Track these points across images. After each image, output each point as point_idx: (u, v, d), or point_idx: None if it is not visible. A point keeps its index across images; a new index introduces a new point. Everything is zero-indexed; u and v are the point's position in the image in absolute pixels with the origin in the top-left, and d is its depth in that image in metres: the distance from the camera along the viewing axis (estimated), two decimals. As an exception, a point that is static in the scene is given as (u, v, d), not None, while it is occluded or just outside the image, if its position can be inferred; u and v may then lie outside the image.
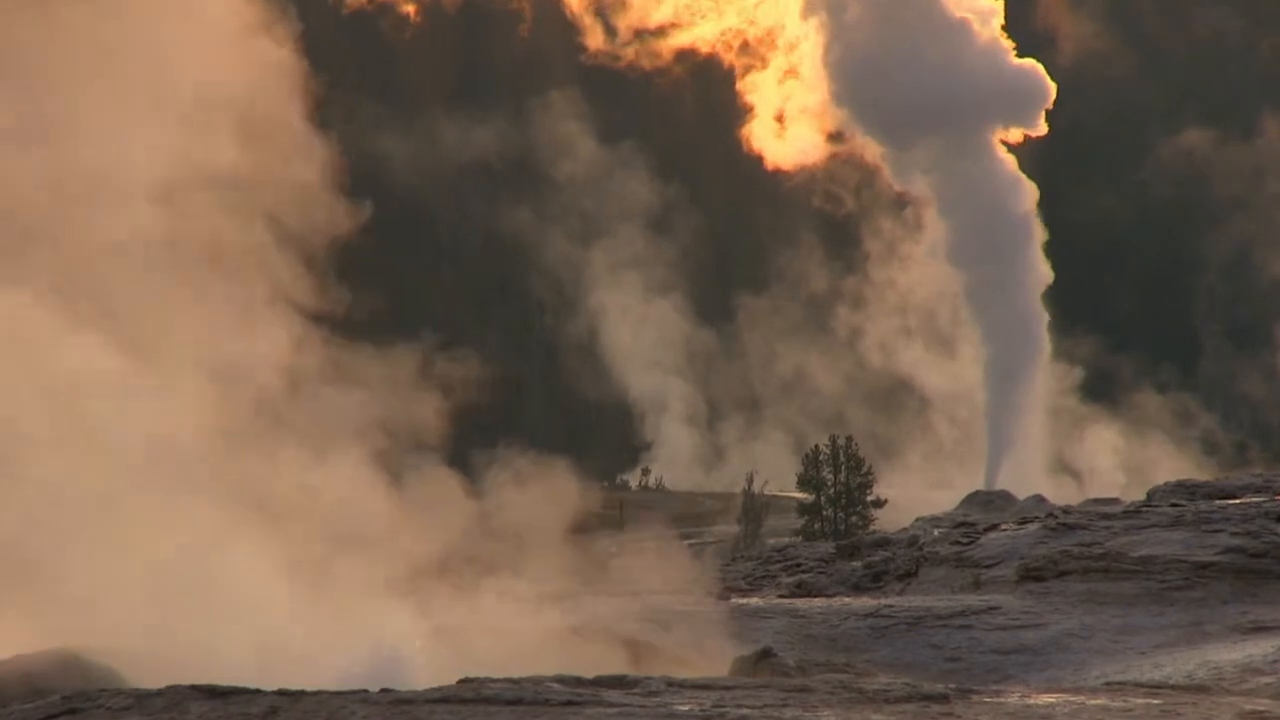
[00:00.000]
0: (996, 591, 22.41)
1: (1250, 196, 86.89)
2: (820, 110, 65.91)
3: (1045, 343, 64.27)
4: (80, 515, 16.63)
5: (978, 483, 56.24)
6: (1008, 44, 64.27)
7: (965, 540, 24.75)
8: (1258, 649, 18.32)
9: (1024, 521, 25.12)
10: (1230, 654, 18.31)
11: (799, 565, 28.41)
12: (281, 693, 13.45)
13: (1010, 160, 63.87)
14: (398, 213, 75.04)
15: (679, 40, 71.73)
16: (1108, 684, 16.33)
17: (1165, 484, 28.59)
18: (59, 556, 16.52)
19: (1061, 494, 51.62)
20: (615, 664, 16.70)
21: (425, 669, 15.79)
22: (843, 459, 57.29)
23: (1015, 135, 64.20)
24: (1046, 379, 65.53)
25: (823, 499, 57.03)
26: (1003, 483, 54.81)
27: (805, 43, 65.92)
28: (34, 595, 16.48)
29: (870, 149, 66.10)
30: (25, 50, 18.03)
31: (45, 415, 16.96)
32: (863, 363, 77.04)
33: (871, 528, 52.57)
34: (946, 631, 20.72)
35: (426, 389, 19.08)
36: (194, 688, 13.57)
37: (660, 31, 71.62)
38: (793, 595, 25.19)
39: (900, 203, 70.30)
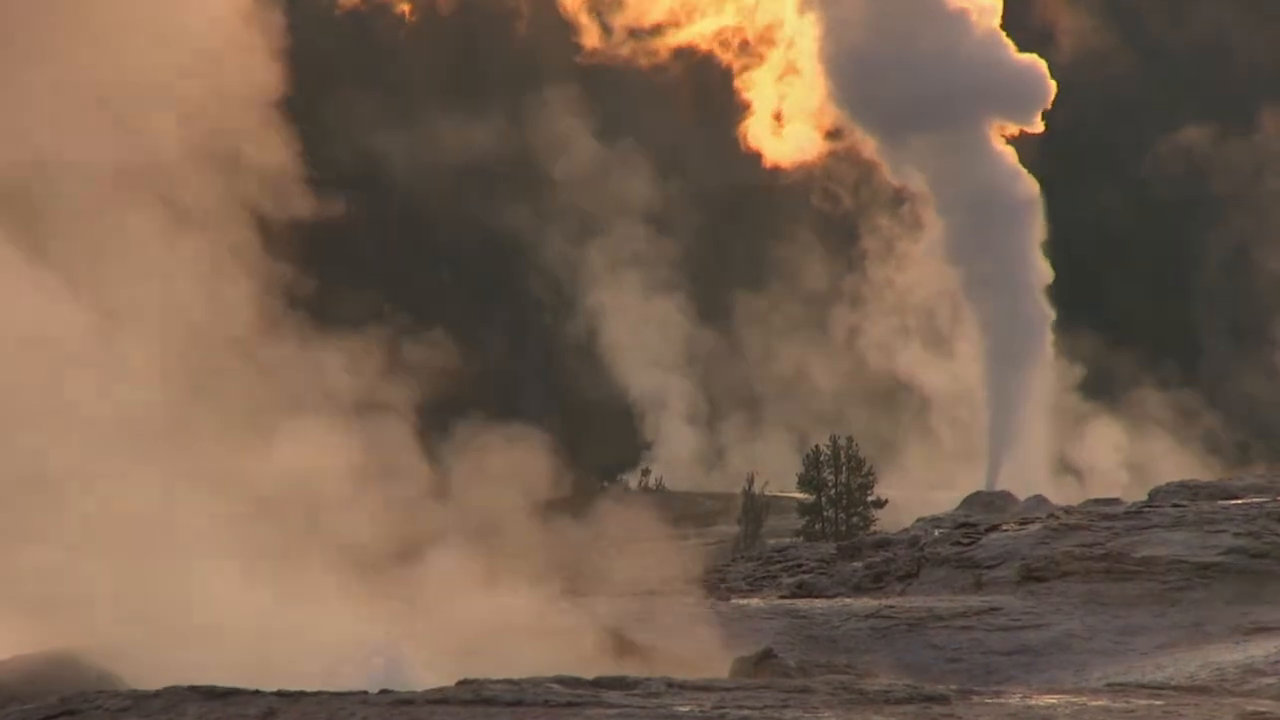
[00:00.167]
0: (998, 592, 22.38)
1: (1250, 192, 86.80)
2: (818, 107, 65.87)
3: (1047, 339, 64.13)
4: (47, 484, 16.64)
5: (979, 483, 56.00)
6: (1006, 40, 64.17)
7: (966, 541, 24.70)
8: (1260, 650, 18.30)
9: (1025, 522, 25.08)
10: (1232, 655, 18.28)
11: (800, 566, 28.36)
12: (280, 694, 13.41)
13: (1010, 153, 63.71)
14: (395, 212, 74.89)
15: (676, 38, 71.75)
16: (1109, 685, 16.31)
17: (1167, 484, 28.57)
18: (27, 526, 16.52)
19: (1063, 493, 51.45)
20: (616, 665, 16.66)
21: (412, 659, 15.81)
22: (843, 459, 57.23)
23: (1013, 130, 64.10)
24: (1048, 376, 65.37)
25: (823, 499, 56.97)
26: (1004, 482, 54.63)
27: (802, 39, 65.86)
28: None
29: (868, 145, 66.06)
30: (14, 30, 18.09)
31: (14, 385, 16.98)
32: (862, 362, 76.88)
33: (872, 528, 52.54)
34: (948, 632, 20.71)
35: (425, 388, 19.04)
36: (192, 688, 13.51)
37: (657, 29, 71.67)
38: (793, 596, 25.17)
39: (898, 199, 70.22)
